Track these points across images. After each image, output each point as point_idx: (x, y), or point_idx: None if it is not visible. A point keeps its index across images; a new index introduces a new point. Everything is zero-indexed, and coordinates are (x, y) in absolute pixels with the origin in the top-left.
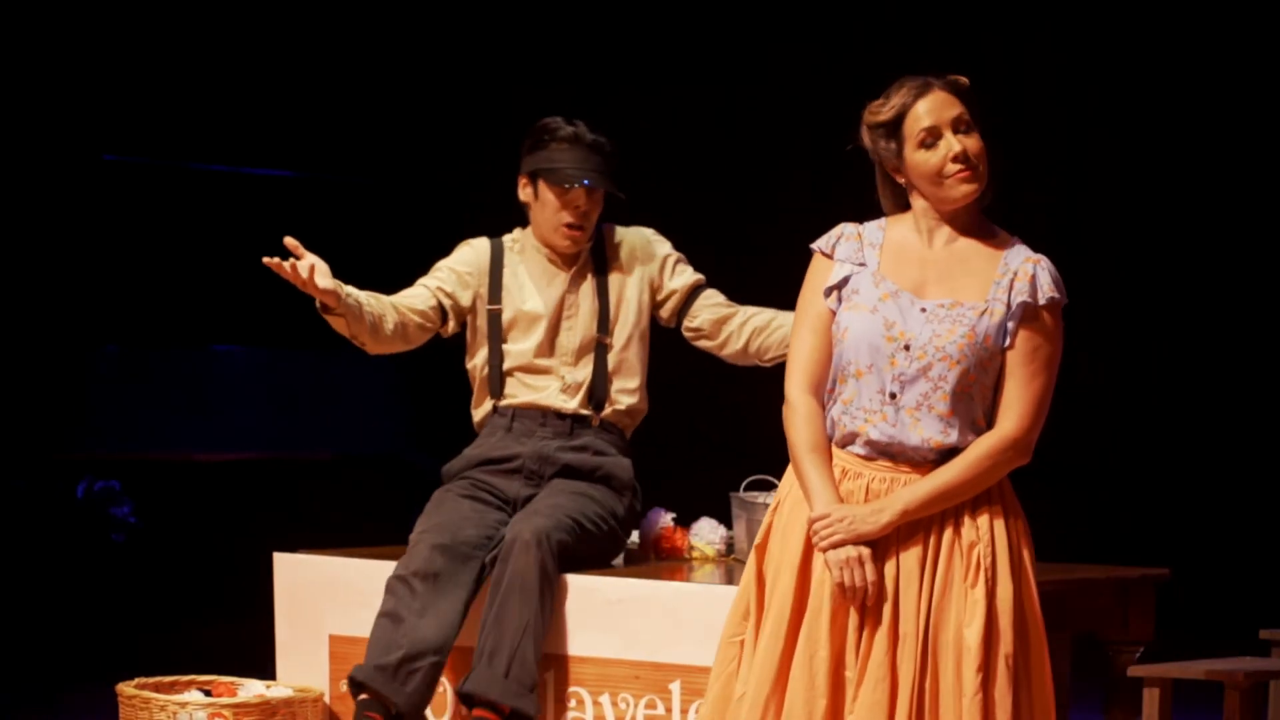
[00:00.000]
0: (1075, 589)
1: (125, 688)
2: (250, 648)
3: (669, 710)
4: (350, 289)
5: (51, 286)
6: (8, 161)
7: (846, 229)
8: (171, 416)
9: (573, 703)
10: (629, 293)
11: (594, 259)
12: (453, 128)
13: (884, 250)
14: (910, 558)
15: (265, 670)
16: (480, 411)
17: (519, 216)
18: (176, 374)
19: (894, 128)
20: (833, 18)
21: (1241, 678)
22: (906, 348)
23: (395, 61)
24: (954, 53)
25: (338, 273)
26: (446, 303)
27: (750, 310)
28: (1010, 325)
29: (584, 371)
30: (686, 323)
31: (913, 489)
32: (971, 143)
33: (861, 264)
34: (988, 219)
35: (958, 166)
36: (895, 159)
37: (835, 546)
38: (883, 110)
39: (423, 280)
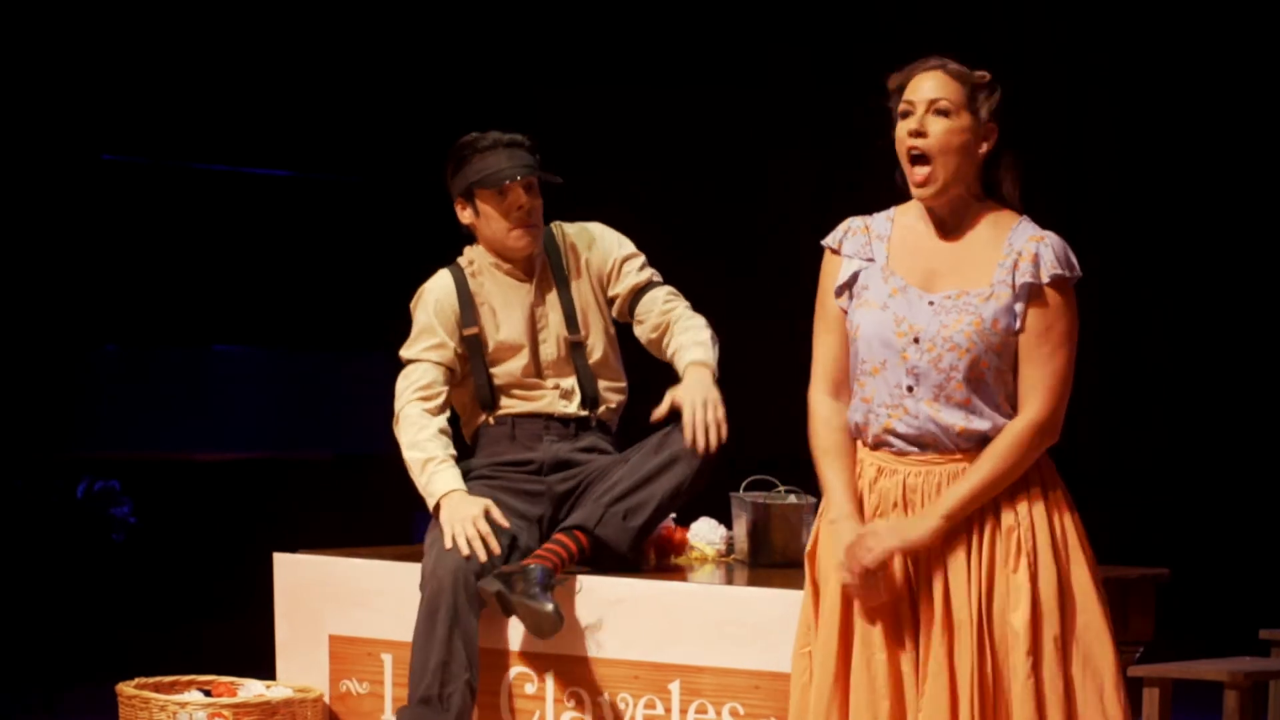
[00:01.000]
0: None
1: (125, 688)
2: (250, 648)
3: (668, 710)
4: (453, 474)
5: (51, 286)
6: (7, 161)
7: (854, 223)
8: (171, 416)
9: (571, 702)
10: (588, 295)
11: (551, 264)
12: (448, 127)
13: (892, 242)
14: (957, 547)
15: (265, 670)
16: (473, 426)
17: None
18: (176, 374)
19: (897, 97)
20: (829, 17)
21: (1241, 678)
22: (916, 340)
23: (390, 60)
24: (952, 50)
25: (334, 269)
26: (451, 361)
27: (674, 326)
28: (1018, 308)
29: (570, 379)
30: (634, 331)
31: (951, 492)
32: (938, 126)
33: (869, 259)
34: (995, 198)
35: (910, 143)
36: (891, 129)
37: (879, 560)
38: (895, 77)
39: (421, 355)
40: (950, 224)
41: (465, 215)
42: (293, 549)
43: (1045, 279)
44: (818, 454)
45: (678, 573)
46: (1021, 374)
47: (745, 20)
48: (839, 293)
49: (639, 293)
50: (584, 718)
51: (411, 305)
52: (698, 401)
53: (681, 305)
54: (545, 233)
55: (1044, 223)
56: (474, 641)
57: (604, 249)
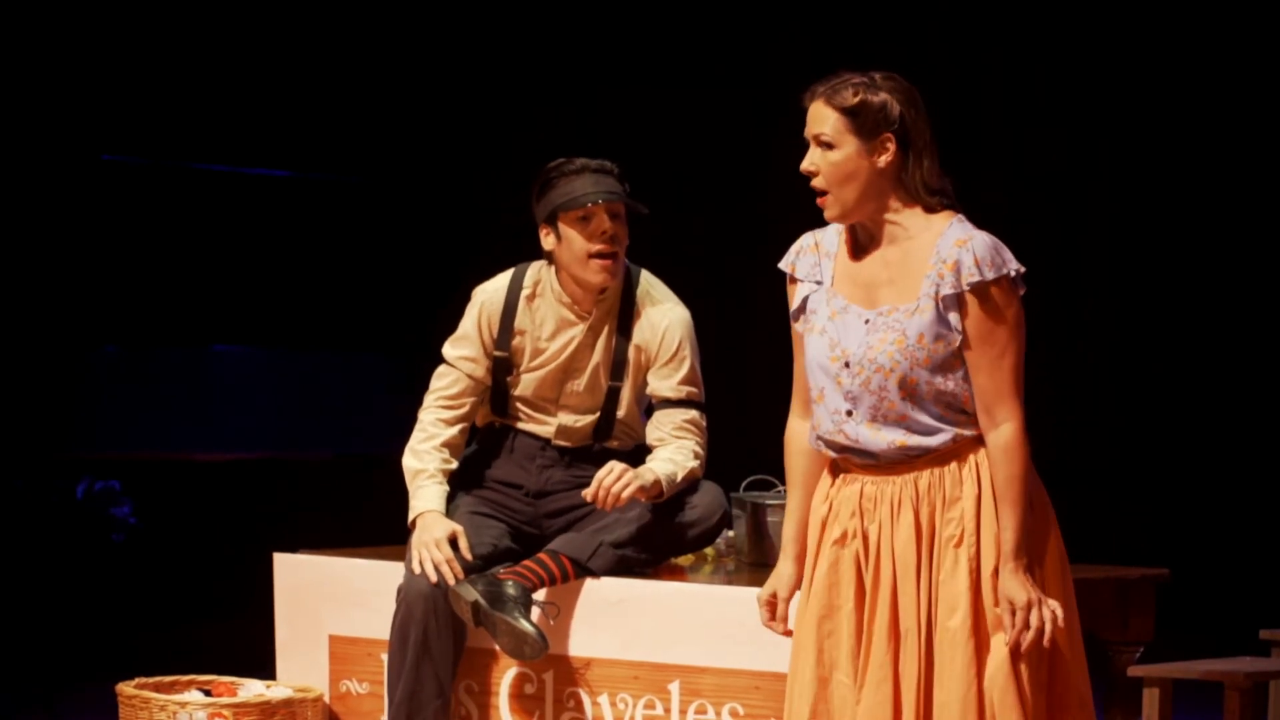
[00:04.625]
0: (1075, 589)
1: (125, 688)
2: (250, 648)
3: (667, 710)
4: (434, 492)
5: (50, 286)
6: (7, 161)
7: (805, 240)
8: (171, 416)
9: (571, 703)
10: (635, 356)
11: (615, 311)
12: (448, 127)
13: (838, 260)
14: (907, 554)
15: (265, 670)
16: (483, 419)
17: (513, 216)
18: (176, 374)
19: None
20: (829, 18)
21: (1241, 678)
22: (847, 365)
23: (390, 60)
24: (948, 49)
25: (333, 269)
26: (482, 377)
27: (665, 447)
28: (952, 319)
29: (588, 418)
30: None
31: (1008, 549)
32: (822, 160)
33: (819, 281)
34: (932, 202)
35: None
36: None
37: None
38: (804, 99)
39: (458, 363)
40: (880, 236)
41: (548, 241)
42: (293, 549)
43: (967, 285)
44: (788, 482)
45: (678, 573)
46: (977, 384)
47: (746, 20)
48: (794, 318)
49: (662, 404)
50: (582, 718)
51: (471, 297)
52: (618, 469)
53: (691, 442)
54: (627, 271)
55: (1045, 225)
56: (447, 663)
57: (667, 340)
